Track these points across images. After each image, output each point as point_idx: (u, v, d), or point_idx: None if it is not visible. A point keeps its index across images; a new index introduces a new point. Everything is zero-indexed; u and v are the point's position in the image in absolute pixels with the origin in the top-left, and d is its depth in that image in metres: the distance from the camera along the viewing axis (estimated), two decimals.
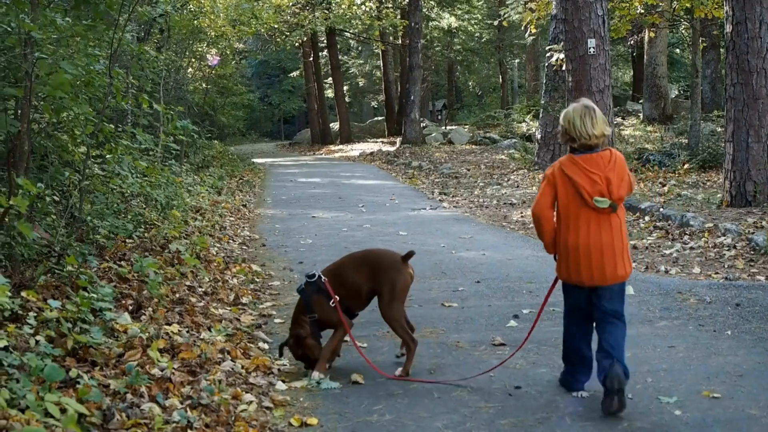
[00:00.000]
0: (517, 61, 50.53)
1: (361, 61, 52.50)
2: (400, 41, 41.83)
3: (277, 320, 7.33)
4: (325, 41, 43.94)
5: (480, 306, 7.79)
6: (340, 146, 39.44)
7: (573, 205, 5.28)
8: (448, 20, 42.27)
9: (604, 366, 5.01)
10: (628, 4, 20.96)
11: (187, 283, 8.27)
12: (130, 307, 6.71)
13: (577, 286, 5.39)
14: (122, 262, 8.25)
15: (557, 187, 5.35)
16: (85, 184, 8.51)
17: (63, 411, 4.12)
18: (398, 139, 34.12)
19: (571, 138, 5.31)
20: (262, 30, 32.45)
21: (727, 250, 10.00)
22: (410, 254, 5.90)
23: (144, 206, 10.89)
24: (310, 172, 26.50)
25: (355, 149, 36.19)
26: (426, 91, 45.03)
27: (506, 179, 20.60)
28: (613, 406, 4.88)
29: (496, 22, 38.20)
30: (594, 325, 5.38)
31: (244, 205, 16.73)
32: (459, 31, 44.12)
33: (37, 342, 5.01)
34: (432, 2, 41.47)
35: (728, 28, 12.89)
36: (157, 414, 4.51)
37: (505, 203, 16.33)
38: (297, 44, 41.96)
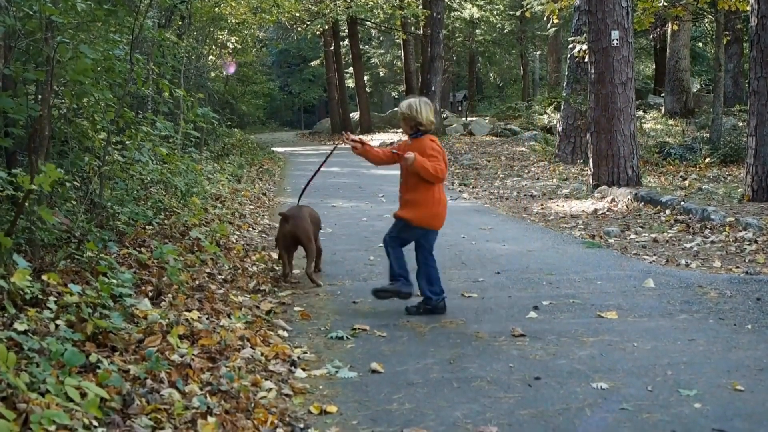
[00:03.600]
0: (538, 52, 50.46)
1: (382, 51, 52.48)
2: (421, 31, 41.68)
3: (296, 308, 7.32)
4: (346, 30, 43.91)
5: (500, 297, 7.76)
6: (360, 136, 39.38)
7: None
8: (470, 10, 42.23)
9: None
10: None
11: (207, 270, 8.28)
12: (150, 294, 6.72)
13: (415, 228, 7.09)
14: (142, 249, 8.27)
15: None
16: (105, 170, 8.53)
17: (83, 395, 4.13)
18: None
19: (425, 125, 7.09)
20: (284, 18, 32.47)
21: (748, 245, 9.93)
22: (284, 216, 8.67)
23: (164, 193, 10.91)
24: (329, 161, 26.41)
25: (376, 139, 36.16)
26: (447, 81, 44.99)
27: (527, 171, 20.54)
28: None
29: (518, 13, 38.11)
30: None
31: (264, 194, 16.73)
32: (481, 22, 44.05)
33: (57, 326, 5.01)
34: None
35: (753, 21, 12.78)
36: (176, 399, 4.51)
37: (525, 195, 16.29)
38: (318, 33, 41.91)
